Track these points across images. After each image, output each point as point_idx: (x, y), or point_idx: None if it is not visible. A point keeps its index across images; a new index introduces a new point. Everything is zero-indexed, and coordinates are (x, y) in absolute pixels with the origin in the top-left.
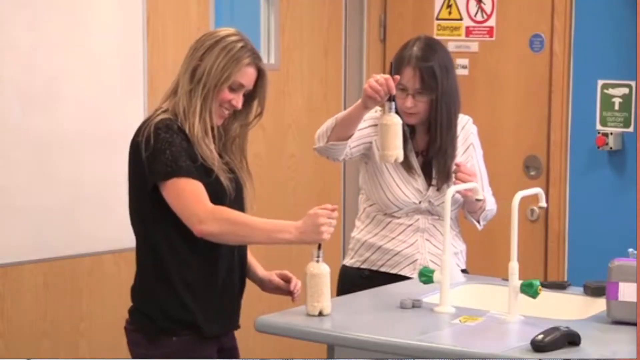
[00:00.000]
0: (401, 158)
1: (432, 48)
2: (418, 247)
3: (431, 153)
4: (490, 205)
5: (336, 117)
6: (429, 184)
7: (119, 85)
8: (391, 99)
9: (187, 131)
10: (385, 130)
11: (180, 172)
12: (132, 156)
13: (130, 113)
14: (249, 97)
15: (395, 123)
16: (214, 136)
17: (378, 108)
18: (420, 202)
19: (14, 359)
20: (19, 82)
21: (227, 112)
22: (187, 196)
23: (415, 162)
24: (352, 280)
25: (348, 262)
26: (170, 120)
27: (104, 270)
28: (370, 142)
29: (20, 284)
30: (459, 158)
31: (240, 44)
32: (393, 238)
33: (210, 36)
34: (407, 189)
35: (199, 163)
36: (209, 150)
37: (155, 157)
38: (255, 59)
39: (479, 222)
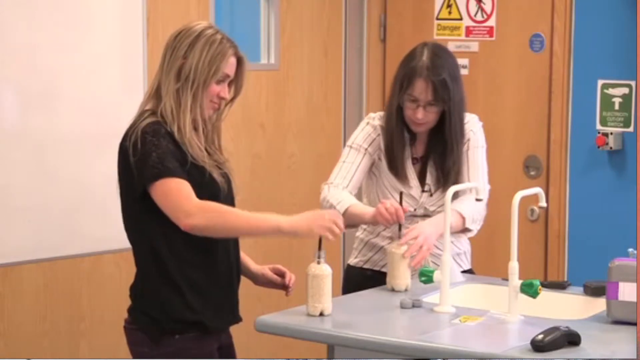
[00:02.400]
0: (409, 286)
1: (440, 57)
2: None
3: (448, 164)
4: (470, 206)
5: (348, 207)
6: (423, 191)
7: (119, 85)
8: (399, 233)
9: (175, 132)
10: (396, 260)
11: (167, 173)
12: (121, 160)
13: (130, 113)
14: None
15: (404, 256)
16: (204, 130)
17: (372, 115)
18: (415, 210)
19: (14, 359)
20: (19, 82)
21: (217, 105)
22: (174, 194)
23: (410, 171)
24: (356, 280)
25: (352, 261)
26: (157, 124)
27: (104, 270)
28: (373, 161)
29: (20, 284)
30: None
31: (219, 36)
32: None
33: (187, 33)
34: (404, 200)
35: (189, 164)
36: (199, 148)
37: (143, 161)
38: (235, 48)
39: (469, 229)
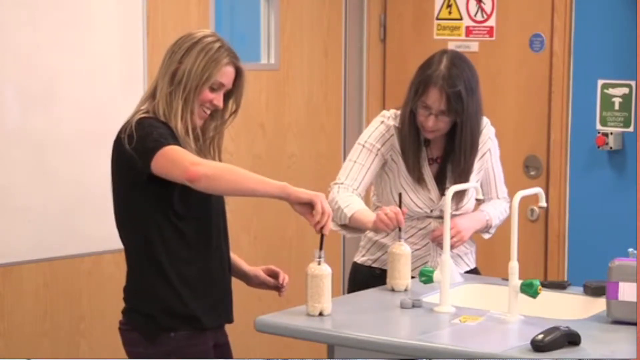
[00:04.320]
0: (409, 286)
1: (458, 67)
2: (429, 249)
3: (453, 171)
4: (500, 215)
5: (354, 213)
6: (442, 194)
7: (119, 85)
8: (400, 234)
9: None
10: (396, 260)
11: (169, 143)
12: (115, 154)
13: (130, 113)
14: (225, 96)
15: (406, 254)
16: (195, 137)
17: (386, 114)
18: (432, 211)
19: (14, 359)
20: (19, 82)
21: (208, 112)
22: (180, 153)
23: (427, 172)
24: (363, 278)
25: (359, 259)
26: (153, 118)
27: (104, 270)
28: (385, 161)
29: (20, 284)
30: (474, 164)
31: (217, 44)
32: (405, 240)
33: (187, 38)
34: (419, 198)
35: None
36: (192, 150)
37: (143, 141)
38: (233, 58)
39: (487, 232)
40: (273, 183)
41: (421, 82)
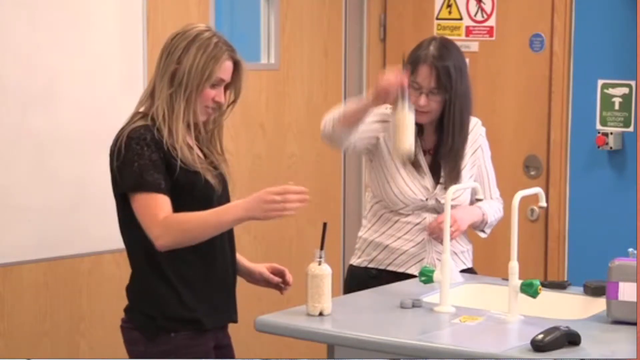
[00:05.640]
0: (412, 155)
1: (447, 48)
2: (425, 245)
3: (442, 153)
4: (495, 214)
5: (344, 108)
6: (437, 183)
7: (119, 85)
8: (404, 95)
9: (166, 136)
10: (400, 126)
11: (144, 187)
12: (110, 164)
13: (130, 113)
14: (224, 88)
15: (409, 120)
16: (197, 134)
17: (388, 105)
18: (427, 199)
19: (14, 359)
20: (19, 82)
21: (212, 109)
22: (144, 214)
23: (423, 161)
24: (360, 280)
25: (355, 261)
26: (145, 128)
27: (104, 270)
28: (377, 138)
29: (20, 284)
30: (467, 159)
31: (214, 40)
32: (399, 237)
33: (183, 36)
34: (414, 185)
35: (178, 171)
36: (189, 152)
37: (124, 167)
38: (231, 52)
39: (483, 231)
40: (227, 220)
41: (411, 63)
